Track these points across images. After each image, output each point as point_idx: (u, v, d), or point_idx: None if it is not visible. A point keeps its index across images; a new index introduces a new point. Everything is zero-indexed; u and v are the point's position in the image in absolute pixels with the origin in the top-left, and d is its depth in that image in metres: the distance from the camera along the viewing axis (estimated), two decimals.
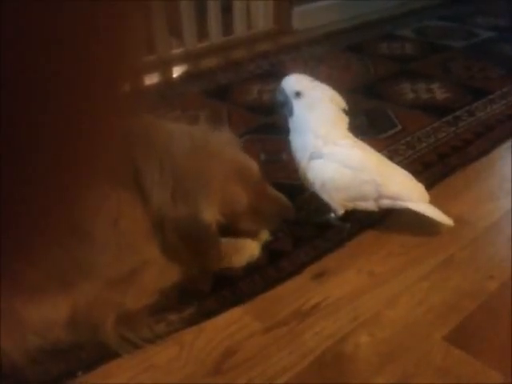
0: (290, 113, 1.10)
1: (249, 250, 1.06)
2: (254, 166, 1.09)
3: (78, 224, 0.75)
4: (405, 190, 1.11)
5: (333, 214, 1.13)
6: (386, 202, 1.11)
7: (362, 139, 1.18)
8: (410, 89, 1.83)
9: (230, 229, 1.06)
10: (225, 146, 1.07)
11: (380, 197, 1.10)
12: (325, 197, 1.11)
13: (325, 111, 1.09)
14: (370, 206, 1.12)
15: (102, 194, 0.87)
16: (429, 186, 1.26)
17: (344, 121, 1.12)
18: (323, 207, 1.14)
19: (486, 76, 1.93)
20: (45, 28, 0.21)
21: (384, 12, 2.58)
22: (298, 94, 1.08)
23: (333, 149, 1.09)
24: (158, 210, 0.96)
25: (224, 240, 1.07)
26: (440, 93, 1.80)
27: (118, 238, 0.90)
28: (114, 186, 0.91)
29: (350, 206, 1.12)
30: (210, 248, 1.01)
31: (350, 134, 1.13)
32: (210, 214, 0.99)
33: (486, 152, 1.45)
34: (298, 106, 1.09)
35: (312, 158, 1.09)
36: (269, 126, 1.56)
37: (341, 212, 1.13)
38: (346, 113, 1.12)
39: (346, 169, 1.09)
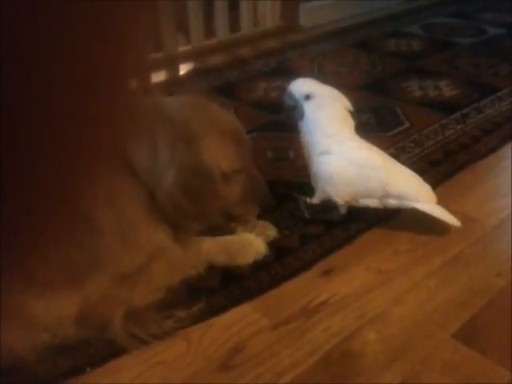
0: (301, 115, 1.10)
1: (255, 247, 1.06)
2: (245, 133, 1.10)
3: (87, 216, 0.75)
4: (412, 190, 1.11)
5: (341, 212, 1.14)
6: (392, 202, 1.11)
7: (369, 136, 1.18)
8: (418, 86, 1.82)
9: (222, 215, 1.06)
10: (222, 111, 1.09)
11: (386, 195, 1.10)
12: (330, 191, 1.11)
13: (334, 111, 1.10)
14: (375, 204, 1.12)
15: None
16: (436, 184, 1.26)
17: (351, 121, 1.12)
18: (329, 205, 1.14)
19: (494, 73, 1.92)
20: (46, 26, 0.21)
21: (391, 9, 2.57)
22: (307, 97, 1.09)
23: (341, 147, 1.09)
24: (149, 172, 0.95)
25: (229, 238, 1.07)
26: (448, 90, 1.79)
27: (117, 218, 0.90)
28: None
29: (354, 203, 1.12)
30: (213, 196, 1.01)
31: (357, 136, 1.13)
32: (213, 158, 0.99)
33: (494, 149, 1.45)
34: (308, 107, 1.09)
35: (321, 154, 1.09)
36: (275, 124, 1.56)
37: (345, 210, 1.13)
38: (352, 113, 1.12)
39: (354, 165, 1.09)
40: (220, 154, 1.02)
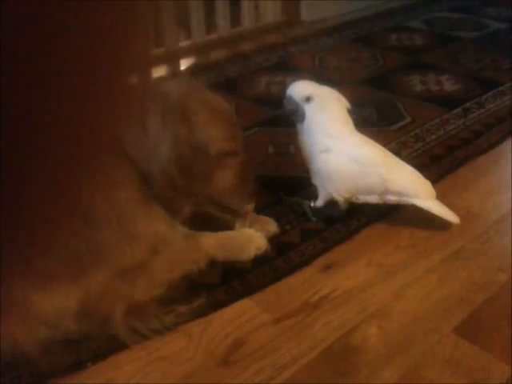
0: (302, 119, 1.10)
1: (255, 243, 1.06)
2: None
3: (86, 207, 0.75)
4: (411, 186, 1.11)
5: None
6: (392, 198, 1.11)
7: (370, 131, 1.18)
8: (420, 80, 1.82)
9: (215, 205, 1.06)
10: (215, 94, 1.07)
11: (386, 192, 1.10)
12: (330, 188, 1.11)
13: (335, 111, 1.11)
14: (375, 200, 1.12)
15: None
16: (438, 179, 1.26)
17: (350, 119, 1.13)
18: (329, 201, 1.14)
19: (496, 67, 1.92)
20: (47, 21, 0.21)
21: (393, 3, 2.56)
22: (308, 99, 1.08)
23: (340, 145, 1.09)
24: (139, 148, 0.93)
25: (229, 233, 1.07)
26: (449, 84, 1.79)
27: (114, 209, 0.90)
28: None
29: (354, 199, 1.12)
30: (205, 174, 0.99)
31: (359, 133, 1.13)
32: (207, 135, 0.97)
33: (495, 144, 1.44)
34: (309, 109, 1.09)
35: (321, 152, 1.09)
36: (277, 119, 1.55)
37: (345, 206, 1.13)
38: (350, 111, 1.13)
39: (353, 162, 1.09)
40: (214, 132, 0.98)
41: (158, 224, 0.96)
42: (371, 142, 1.14)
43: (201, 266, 1.00)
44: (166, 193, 0.96)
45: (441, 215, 1.11)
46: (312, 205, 1.15)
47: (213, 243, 1.03)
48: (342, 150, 1.09)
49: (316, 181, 1.14)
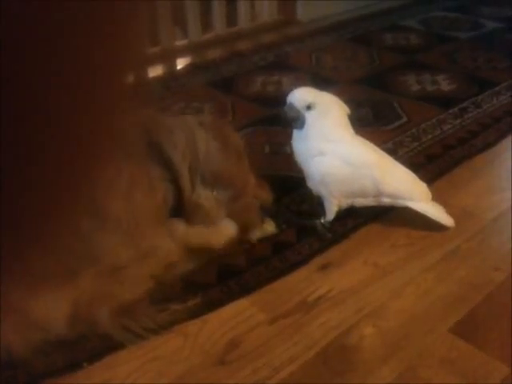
0: (302, 125, 1.09)
1: (227, 230, 1.07)
2: None
3: (93, 204, 0.76)
4: (406, 188, 1.11)
5: (322, 220, 1.13)
6: (386, 200, 1.11)
7: (366, 131, 1.17)
8: (416, 80, 1.82)
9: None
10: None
11: (380, 194, 1.10)
12: (323, 191, 1.11)
13: (337, 117, 1.10)
14: (369, 202, 1.12)
15: (114, 169, 0.88)
16: (434, 178, 1.26)
17: (349, 124, 1.13)
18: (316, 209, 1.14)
19: (493, 67, 1.92)
20: (45, 20, 0.21)
21: (390, 2, 2.56)
22: (309, 106, 1.08)
23: (335, 148, 1.09)
24: (188, 160, 1.05)
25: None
26: (446, 84, 1.79)
27: (128, 213, 0.91)
28: (125, 160, 0.92)
29: (349, 202, 1.12)
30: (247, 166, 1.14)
31: (358, 137, 1.13)
32: (237, 140, 1.16)
33: (491, 144, 1.44)
34: (311, 116, 1.08)
35: (315, 156, 1.09)
36: (273, 118, 1.55)
37: (332, 216, 1.12)
38: (349, 115, 1.12)
39: (346, 164, 1.09)
40: (237, 138, 1.18)
41: (160, 236, 0.97)
42: (372, 146, 1.14)
43: (180, 256, 1.00)
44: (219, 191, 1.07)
45: (435, 218, 1.11)
46: (323, 221, 1.14)
47: (187, 229, 1.03)
48: (335, 153, 1.09)
49: (310, 185, 1.13)
